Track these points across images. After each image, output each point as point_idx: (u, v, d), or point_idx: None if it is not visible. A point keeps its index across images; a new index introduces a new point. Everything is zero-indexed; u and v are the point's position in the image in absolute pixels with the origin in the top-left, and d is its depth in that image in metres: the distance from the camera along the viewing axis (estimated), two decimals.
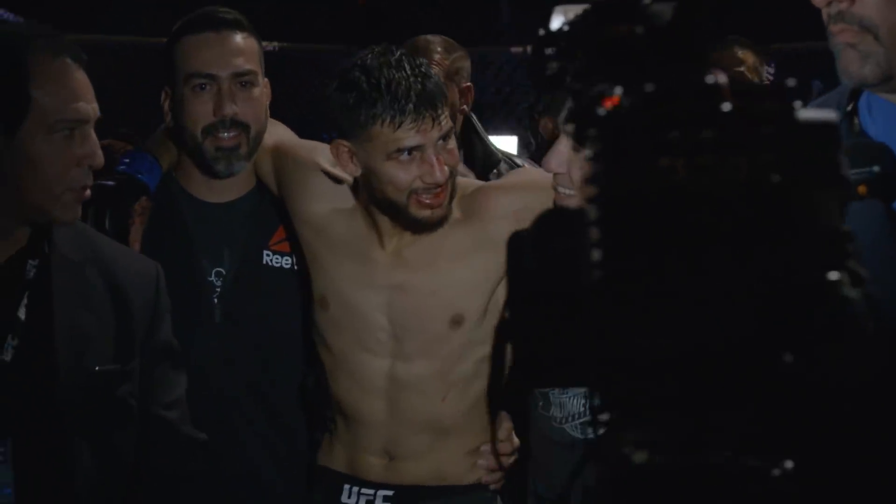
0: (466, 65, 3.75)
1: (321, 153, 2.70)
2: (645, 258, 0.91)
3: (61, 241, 2.12)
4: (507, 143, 9.49)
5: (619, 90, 0.93)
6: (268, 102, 2.80)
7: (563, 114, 1.04)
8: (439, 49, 3.59)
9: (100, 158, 2.05)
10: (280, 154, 2.76)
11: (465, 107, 3.58)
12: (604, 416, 0.93)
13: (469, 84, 3.72)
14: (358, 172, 2.48)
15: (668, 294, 0.91)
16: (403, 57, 2.43)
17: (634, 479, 0.93)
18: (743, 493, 0.92)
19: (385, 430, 2.57)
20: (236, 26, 2.74)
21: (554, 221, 1.09)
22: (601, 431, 0.94)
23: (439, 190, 2.45)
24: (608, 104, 0.92)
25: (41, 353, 2.04)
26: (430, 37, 3.65)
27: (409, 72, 2.40)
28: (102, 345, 2.11)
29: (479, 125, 3.66)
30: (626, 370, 0.92)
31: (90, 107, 2.05)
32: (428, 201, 2.45)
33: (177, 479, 2.25)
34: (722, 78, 0.93)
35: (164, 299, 2.27)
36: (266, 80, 2.80)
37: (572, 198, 2.41)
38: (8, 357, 2.01)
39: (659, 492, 0.93)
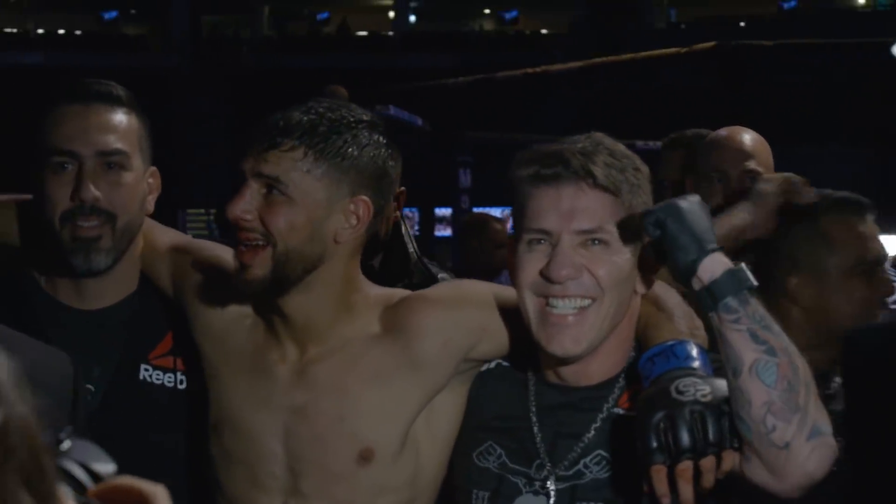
0: (398, 167, 3.40)
1: (226, 253, 2.30)
2: None
3: None
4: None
5: None
6: (150, 195, 2.39)
7: None
8: None
9: None
10: (180, 254, 2.37)
11: (397, 212, 3.19)
12: None
13: (403, 189, 3.35)
14: None
15: None
16: (323, 102, 2.10)
17: None
18: None
19: None
20: (110, 100, 2.33)
21: None
22: None
23: (254, 243, 2.05)
24: None
25: None
26: None
27: (297, 109, 2.08)
28: None
29: (408, 231, 3.25)
30: None
31: None
32: (239, 251, 2.07)
33: None
34: None
35: (83, 403, 1.83)
36: (153, 168, 2.39)
37: (588, 310, 1.92)
38: None
39: None
